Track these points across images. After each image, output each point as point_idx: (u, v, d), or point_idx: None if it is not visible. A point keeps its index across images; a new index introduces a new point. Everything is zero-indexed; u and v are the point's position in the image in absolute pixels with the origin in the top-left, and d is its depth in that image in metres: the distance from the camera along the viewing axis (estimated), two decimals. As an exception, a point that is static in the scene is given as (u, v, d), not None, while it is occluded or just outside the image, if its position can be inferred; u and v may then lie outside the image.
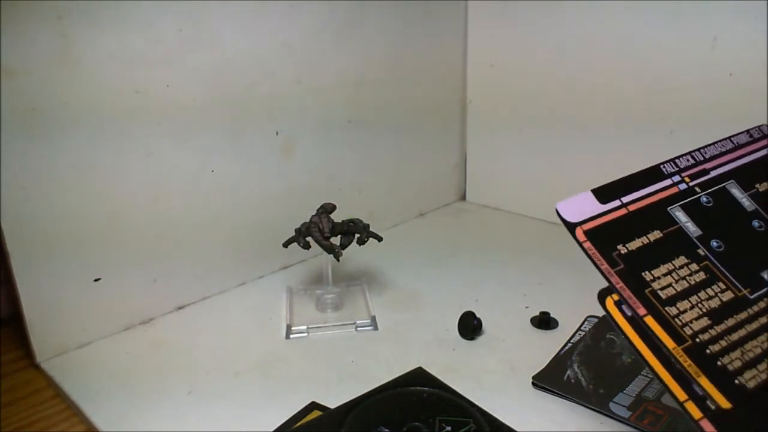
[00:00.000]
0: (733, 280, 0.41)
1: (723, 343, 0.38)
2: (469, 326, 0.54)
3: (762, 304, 0.40)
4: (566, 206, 0.42)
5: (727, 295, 0.40)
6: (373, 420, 0.42)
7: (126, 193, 0.55)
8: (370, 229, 0.59)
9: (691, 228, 0.42)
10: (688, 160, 0.46)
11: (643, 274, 0.39)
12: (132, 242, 0.56)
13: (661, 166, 0.45)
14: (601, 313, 0.56)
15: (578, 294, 0.60)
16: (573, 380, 0.47)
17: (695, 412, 0.35)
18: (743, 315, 0.39)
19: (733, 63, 0.60)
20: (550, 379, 0.48)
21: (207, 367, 0.51)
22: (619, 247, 0.40)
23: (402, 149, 0.78)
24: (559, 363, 0.50)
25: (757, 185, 0.46)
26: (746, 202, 0.45)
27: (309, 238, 0.58)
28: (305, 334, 0.56)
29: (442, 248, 0.72)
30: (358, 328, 0.56)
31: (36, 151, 0.50)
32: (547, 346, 0.52)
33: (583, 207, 0.42)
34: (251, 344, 0.54)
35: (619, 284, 0.39)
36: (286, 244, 0.59)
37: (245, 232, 0.64)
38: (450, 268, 0.67)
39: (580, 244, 0.40)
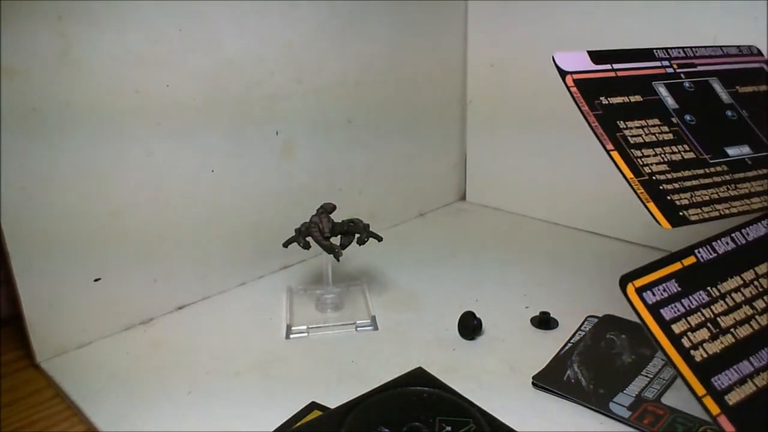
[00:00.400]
0: (697, 146, 0.44)
1: (676, 185, 0.42)
2: (469, 326, 0.54)
3: (718, 168, 0.44)
4: (562, 57, 0.45)
5: (689, 155, 0.43)
6: (373, 420, 0.43)
7: (126, 193, 0.55)
8: (370, 229, 0.59)
9: (670, 101, 0.46)
10: (678, 52, 0.49)
11: (617, 122, 0.43)
12: (132, 242, 0.56)
13: (654, 50, 0.48)
14: (601, 313, 0.56)
15: (578, 294, 0.60)
16: (573, 380, 0.47)
17: (713, 408, 0.34)
18: (700, 171, 0.43)
19: (733, 63, 0.60)
20: (550, 379, 0.48)
21: (207, 367, 0.51)
22: (602, 98, 0.44)
23: (402, 149, 0.78)
24: (559, 363, 0.50)
25: (738, 87, 0.49)
26: (724, 96, 0.48)
27: (309, 238, 0.58)
28: (305, 334, 0.56)
29: (442, 248, 0.72)
30: (358, 328, 0.56)
31: (36, 151, 0.50)
32: (547, 346, 0.52)
33: (577, 61, 0.46)
34: (251, 344, 0.54)
35: (594, 123, 0.42)
36: (286, 244, 0.59)
37: (245, 232, 0.64)
38: (450, 268, 0.67)
39: (568, 88, 0.44)
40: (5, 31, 0.46)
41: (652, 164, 0.42)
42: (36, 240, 0.51)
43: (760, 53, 0.52)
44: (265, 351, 0.53)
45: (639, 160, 0.42)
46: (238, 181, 0.63)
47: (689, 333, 0.36)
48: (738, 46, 0.51)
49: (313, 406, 0.46)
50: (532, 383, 0.48)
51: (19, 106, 0.48)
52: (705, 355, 0.36)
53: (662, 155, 0.43)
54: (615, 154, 0.41)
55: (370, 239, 0.59)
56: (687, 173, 0.43)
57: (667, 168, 0.42)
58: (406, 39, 0.74)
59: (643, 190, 0.40)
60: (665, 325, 0.37)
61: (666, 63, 0.48)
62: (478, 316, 0.54)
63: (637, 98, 0.45)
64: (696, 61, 0.49)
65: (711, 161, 0.44)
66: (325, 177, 0.70)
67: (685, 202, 0.41)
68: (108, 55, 0.52)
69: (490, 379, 0.49)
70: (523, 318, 0.57)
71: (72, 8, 0.49)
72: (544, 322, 0.55)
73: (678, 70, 0.48)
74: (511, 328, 0.55)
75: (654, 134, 0.44)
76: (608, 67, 0.46)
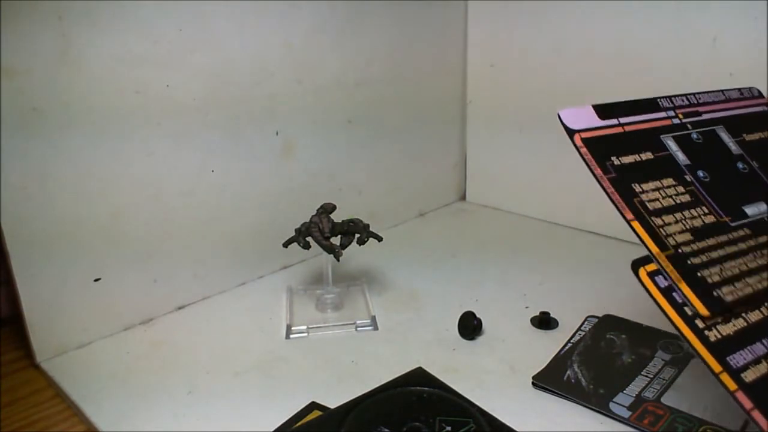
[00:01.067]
0: (716, 207, 0.43)
1: (704, 257, 0.40)
2: (469, 326, 0.54)
3: (741, 232, 0.42)
4: (568, 115, 0.44)
5: (709, 219, 0.42)
6: (373, 420, 0.43)
7: (126, 193, 0.55)
8: (370, 229, 0.59)
9: (681, 156, 0.44)
10: (683, 100, 0.48)
11: (632, 185, 0.41)
12: (132, 242, 0.56)
13: (658, 100, 0.47)
14: (601, 312, 0.56)
15: (578, 294, 0.60)
16: (573, 380, 0.47)
17: (730, 384, 0.35)
18: (723, 238, 0.41)
19: (733, 63, 0.60)
20: (550, 379, 0.48)
21: (207, 367, 0.51)
22: (613, 158, 0.42)
23: (402, 149, 0.78)
24: (559, 363, 0.50)
25: (744, 135, 0.48)
26: (733, 146, 0.47)
27: (309, 238, 0.58)
28: (305, 334, 0.56)
29: (442, 248, 0.72)
30: (358, 328, 0.56)
31: (36, 151, 0.50)
32: (547, 346, 0.52)
33: (583, 118, 0.44)
34: (251, 344, 0.54)
35: (610, 189, 0.40)
36: (286, 244, 0.59)
37: (245, 232, 0.64)
38: (450, 268, 0.67)
39: (577, 149, 0.42)
40: (5, 31, 0.46)
41: (675, 233, 0.40)
42: (36, 240, 0.51)
43: (761, 95, 0.51)
44: (265, 351, 0.53)
45: (661, 229, 0.40)
46: (238, 181, 0.63)
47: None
48: (739, 89, 0.50)
49: (313, 406, 0.46)
50: (532, 383, 0.48)
51: (19, 106, 0.48)
52: (719, 336, 0.37)
53: (683, 221, 0.41)
54: (636, 225, 0.39)
55: (370, 239, 0.59)
56: (711, 241, 0.41)
57: (691, 237, 0.40)
58: (406, 39, 0.74)
59: (672, 268, 0.38)
60: (678, 307, 0.37)
61: (671, 113, 0.47)
62: (478, 316, 0.54)
63: (648, 155, 0.43)
64: (700, 109, 0.48)
65: (732, 224, 0.42)
66: (325, 177, 0.70)
67: (717, 278, 0.39)
68: (108, 55, 0.52)
69: (490, 379, 0.49)
70: (523, 318, 0.57)
71: (72, 8, 0.49)
72: (544, 322, 0.55)
73: (684, 120, 0.47)
74: (511, 328, 0.55)
75: (671, 197, 0.42)
76: (615, 122, 0.45)
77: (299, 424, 0.44)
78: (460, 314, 0.55)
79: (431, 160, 0.83)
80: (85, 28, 0.50)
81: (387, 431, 0.41)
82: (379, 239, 0.60)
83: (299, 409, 0.45)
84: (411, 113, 0.77)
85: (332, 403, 0.45)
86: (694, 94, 0.49)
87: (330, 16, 0.66)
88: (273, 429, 0.44)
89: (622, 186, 0.41)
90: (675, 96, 0.48)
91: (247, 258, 0.65)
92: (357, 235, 0.59)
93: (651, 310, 0.57)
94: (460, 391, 0.45)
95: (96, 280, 0.55)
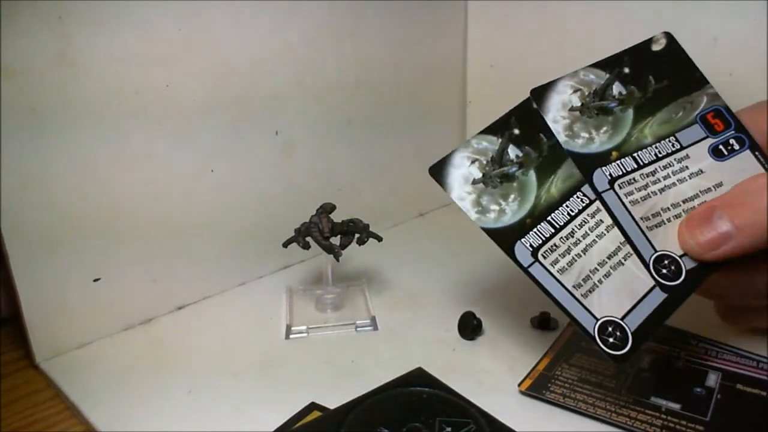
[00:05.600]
0: None
1: None
2: (469, 326, 0.54)
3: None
4: None
5: None
6: (373, 420, 0.42)
7: (126, 192, 0.55)
8: (370, 229, 0.59)
9: None
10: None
11: None
12: (132, 242, 0.56)
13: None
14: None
15: (578, 294, 0.60)
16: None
17: None
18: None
19: (733, 63, 0.60)
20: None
21: (207, 367, 0.51)
22: None
23: (402, 149, 0.78)
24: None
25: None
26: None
27: (309, 238, 0.58)
28: (305, 334, 0.56)
29: (442, 248, 0.72)
30: (358, 328, 0.56)
31: (36, 151, 0.49)
32: (546, 347, 0.52)
33: None
34: (251, 344, 0.54)
35: None
36: (286, 244, 0.59)
37: (245, 232, 0.64)
38: (450, 268, 0.67)
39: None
40: (5, 31, 0.46)
41: None
42: (35, 240, 0.51)
43: None
44: (265, 351, 0.53)
45: None
46: (238, 181, 0.63)
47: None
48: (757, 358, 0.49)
49: (313, 406, 0.46)
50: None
51: (18, 106, 0.48)
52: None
53: None
54: None
55: (370, 239, 0.59)
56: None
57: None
58: (406, 39, 0.74)
59: None
60: None
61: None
62: (478, 316, 0.54)
63: None
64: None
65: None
66: (325, 177, 0.70)
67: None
68: (108, 55, 0.52)
69: (490, 379, 0.49)
70: (523, 318, 0.57)
71: (72, 8, 0.49)
72: (543, 322, 0.55)
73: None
74: (511, 328, 0.55)
75: None
76: None
77: (299, 424, 0.44)
78: (460, 314, 0.55)
79: (431, 160, 0.83)
80: (85, 28, 0.50)
81: (387, 431, 0.41)
82: (379, 239, 0.60)
83: (299, 410, 0.45)
84: (411, 113, 0.77)
85: (332, 404, 0.45)
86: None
87: (330, 16, 0.66)
88: (273, 429, 0.44)
89: None
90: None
91: (247, 258, 0.65)
92: (357, 235, 0.59)
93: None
94: (460, 391, 0.45)
95: (96, 280, 0.55)
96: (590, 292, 0.42)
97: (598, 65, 0.49)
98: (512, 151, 0.46)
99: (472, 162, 0.46)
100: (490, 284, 0.63)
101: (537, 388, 0.46)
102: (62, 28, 0.49)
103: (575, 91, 0.48)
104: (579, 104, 0.47)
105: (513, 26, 0.76)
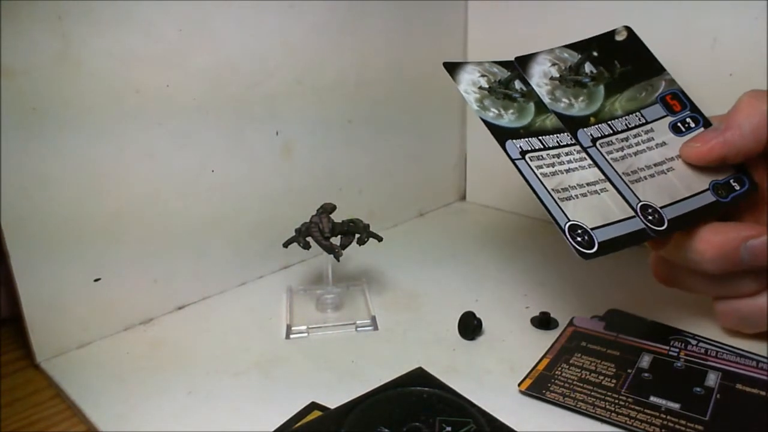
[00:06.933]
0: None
1: None
2: (469, 326, 0.54)
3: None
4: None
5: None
6: (373, 420, 0.43)
7: (126, 192, 0.55)
8: (370, 229, 0.59)
9: None
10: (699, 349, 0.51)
11: None
12: (132, 242, 0.56)
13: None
14: (601, 312, 0.56)
15: (578, 294, 0.60)
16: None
17: None
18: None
19: (733, 63, 0.60)
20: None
21: (207, 367, 0.51)
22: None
23: (402, 149, 0.78)
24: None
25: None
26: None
27: (309, 238, 0.58)
28: (305, 334, 0.56)
29: (442, 248, 0.72)
30: (358, 328, 0.56)
31: (36, 151, 0.50)
32: (547, 347, 0.52)
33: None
34: (251, 344, 0.54)
35: None
36: (286, 244, 0.59)
37: (245, 232, 0.64)
38: (450, 268, 0.67)
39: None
40: (5, 31, 0.46)
41: None
42: (36, 240, 0.51)
43: None
44: (265, 351, 0.53)
45: None
46: (238, 181, 0.63)
47: None
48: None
49: (313, 406, 0.46)
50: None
51: (19, 106, 0.48)
52: None
53: None
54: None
55: (370, 239, 0.59)
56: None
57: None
58: (406, 39, 0.74)
59: None
60: None
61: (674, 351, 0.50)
62: (478, 316, 0.54)
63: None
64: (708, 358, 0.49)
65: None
66: (325, 177, 0.70)
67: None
68: (108, 55, 0.52)
69: (490, 379, 0.49)
70: (523, 318, 0.57)
71: (72, 8, 0.49)
72: (544, 322, 0.55)
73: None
74: (511, 328, 0.55)
75: None
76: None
77: (299, 424, 0.44)
78: (460, 314, 0.55)
79: (431, 160, 0.83)
80: (85, 28, 0.50)
81: (387, 431, 0.41)
82: (379, 239, 0.60)
83: (299, 410, 0.45)
84: (411, 113, 0.77)
85: (332, 403, 0.45)
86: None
87: (330, 16, 0.66)
88: (273, 429, 0.44)
89: None
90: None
91: (247, 258, 0.65)
92: (357, 235, 0.59)
93: (653, 310, 0.57)
94: (460, 391, 0.45)
95: (96, 280, 0.55)
96: (567, 200, 0.46)
97: (570, 46, 0.56)
98: (517, 84, 0.53)
99: (482, 75, 0.52)
100: (490, 284, 0.63)
101: (537, 388, 0.46)
102: (62, 28, 0.49)
103: (553, 65, 0.54)
104: (557, 76, 0.53)
105: (513, 26, 0.76)
